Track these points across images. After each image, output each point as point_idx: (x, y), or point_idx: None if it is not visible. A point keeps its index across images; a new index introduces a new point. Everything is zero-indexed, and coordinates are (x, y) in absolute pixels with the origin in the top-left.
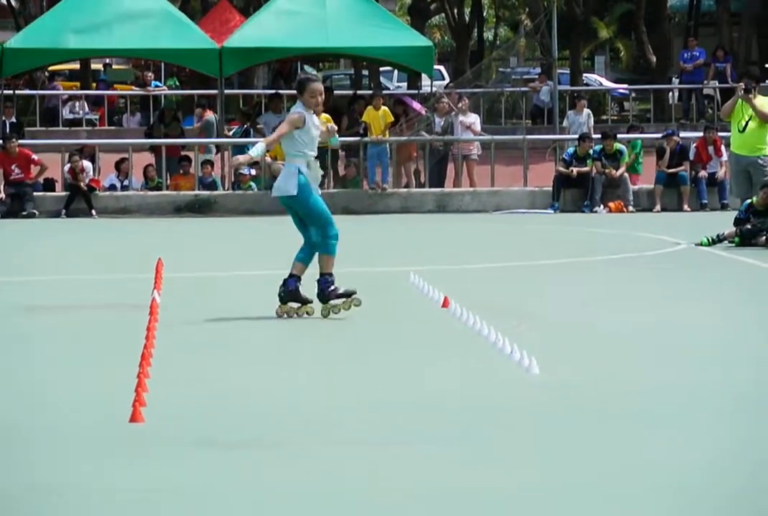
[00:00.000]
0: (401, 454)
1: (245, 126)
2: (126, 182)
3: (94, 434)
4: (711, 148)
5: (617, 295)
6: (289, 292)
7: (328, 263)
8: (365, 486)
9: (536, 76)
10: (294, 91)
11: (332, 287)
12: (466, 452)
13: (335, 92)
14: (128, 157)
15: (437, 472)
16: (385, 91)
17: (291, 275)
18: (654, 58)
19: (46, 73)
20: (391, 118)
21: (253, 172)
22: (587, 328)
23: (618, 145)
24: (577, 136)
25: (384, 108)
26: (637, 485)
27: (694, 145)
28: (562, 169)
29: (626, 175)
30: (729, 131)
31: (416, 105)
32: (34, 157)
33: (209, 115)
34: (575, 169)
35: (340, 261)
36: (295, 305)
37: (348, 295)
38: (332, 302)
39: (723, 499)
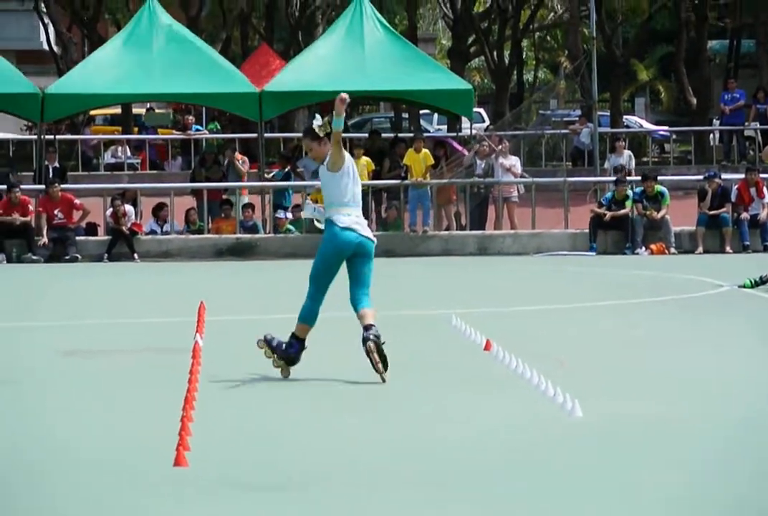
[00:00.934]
0: (442, 497)
1: (286, 169)
2: (166, 228)
3: (138, 477)
4: (753, 190)
5: (661, 338)
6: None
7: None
8: None
9: (576, 119)
10: None
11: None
12: (507, 496)
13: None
14: (167, 203)
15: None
16: (426, 134)
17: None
18: (694, 100)
19: (86, 118)
20: (432, 161)
21: (290, 215)
22: (631, 370)
23: (659, 187)
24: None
25: (425, 150)
26: None
27: (736, 186)
28: (597, 210)
29: (668, 217)
30: None
31: (457, 145)
32: (77, 201)
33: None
34: (609, 213)
35: (382, 303)
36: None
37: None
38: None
39: None
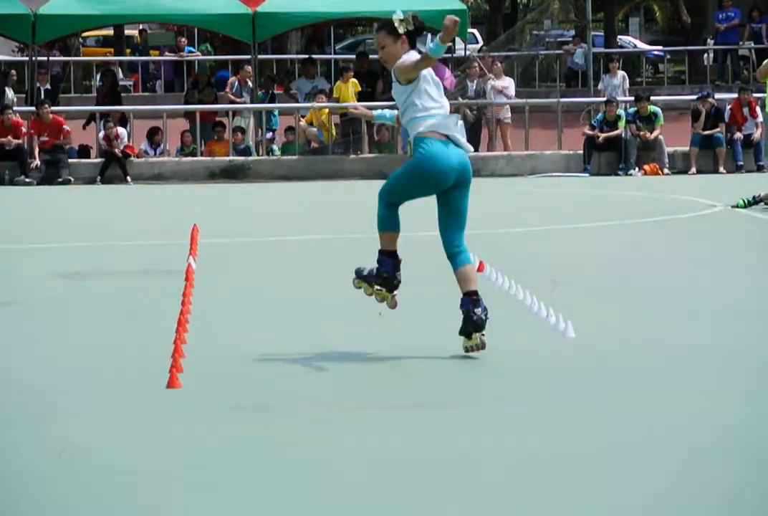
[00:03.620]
0: (433, 416)
1: (270, 91)
2: (160, 150)
3: (131, 399)
4: (746, 110)
5: (655, 258)
6: None
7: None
8: (396, 448)
9: (570, 39)
10: (326, 56)
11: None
12: (495, 413)
13: (370, 56)
14: (160, 126)
15: (471, 435)
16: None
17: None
18: (689, 19)
19: (80, 40)
20: None
21: (282, 138)
22: (625, 291)
23: (652, 108)
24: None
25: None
26: (659, 448)
27: (729, 107)
28: (589, 131)
29: (661, 137)
30: (763, 92)
31: (447, 79)
32: (66, 127)
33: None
34: (602, 135)
35: (373, 227)
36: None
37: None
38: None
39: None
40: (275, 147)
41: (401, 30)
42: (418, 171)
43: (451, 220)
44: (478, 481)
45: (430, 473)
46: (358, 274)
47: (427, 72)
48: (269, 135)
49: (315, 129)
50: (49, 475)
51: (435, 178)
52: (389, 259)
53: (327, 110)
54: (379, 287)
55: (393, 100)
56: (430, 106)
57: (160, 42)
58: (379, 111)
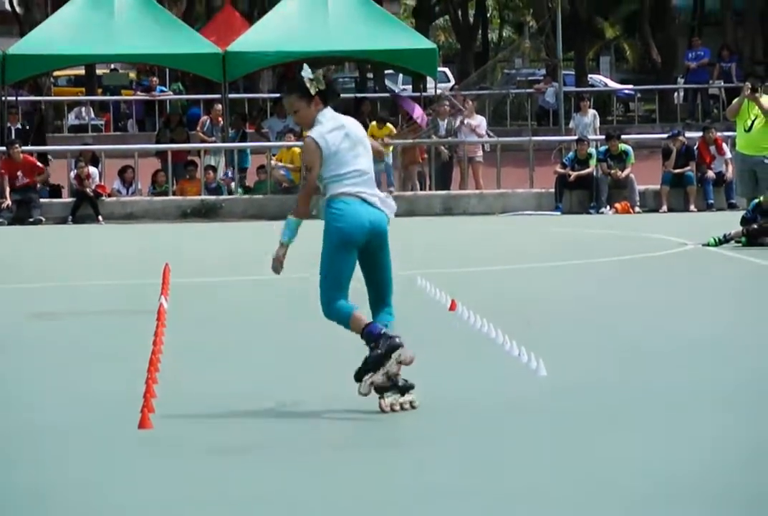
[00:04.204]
0: (405, 455)
1: (240, 130)
2: (132, 189)
3: (102, 440)
4: (713, 148)
5: (625, 298)
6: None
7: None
8: (368, 487)
9: (541, 78)
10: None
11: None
12: (469, 453)
13: (341, 96)
14: (132, 165)
15: (437, 473)
16: (390, 91)
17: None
18: (659, 58)
19: (51, 79)
20: (393, 131)
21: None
22: (595, 330)
23: (623, 146)
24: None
25: (388, 126)
26: (640, 489)
27: (695, 146)
28: (560, 170)
29: (632, 175)
30: (733, 131)
31: (417, 111)
32: (38, 164)
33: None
34: (573, 173)
35: None
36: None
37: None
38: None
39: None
40: (234, 186)
41: (313, 91)
42: (328, 233)
43: (374, 287)
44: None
45: (402, 509)
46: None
47: (331, 139)
48: (229, 174)
49: (282, 170)
50: None
51: (345, 234)
52: (373, 328)
53: (297, 150)
54: (389, 360)
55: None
56: (343, 171)
57: (115, 82)
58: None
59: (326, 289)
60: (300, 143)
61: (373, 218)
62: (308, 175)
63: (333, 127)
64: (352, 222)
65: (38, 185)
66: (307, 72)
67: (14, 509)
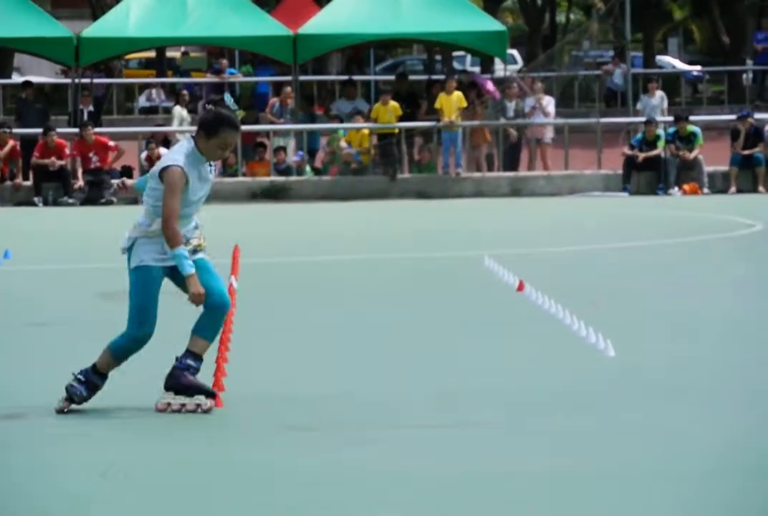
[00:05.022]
0: (468, 435)
1: (311, 112)
2: None
3: (174, 418)
4: None
5: (692, 279)
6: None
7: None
8: (437, 466)
9: (609, 60)
10: (366, 77)
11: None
12: (538, 433)
13: (409, 77)
14: None
15: (506, 454)
16: (460, 71)
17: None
18: (727, 40)
19: (123, 62)
20: (464, 103)
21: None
22: (662, 311)
23: (692, 128)
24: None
25: (457, 93)
26: (702, 466)
27: (765, 128)
28: (628, 151)
29: (700, 157)
30: None
31: (490, 86)
32: (110, 143)
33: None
34: (642, 155)
35: (416, 246)
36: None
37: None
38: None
39: None
40: (308, 167)
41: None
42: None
43: None
44: (523, 499)
45: (471, 492)
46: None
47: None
48: (301, 155)
49: (353, 150)
50: (92, 495)
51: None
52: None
53: (366, 131)
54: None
55: (435, 120)
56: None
57: (192, 65)
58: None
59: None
60: (369, 125)
61: None
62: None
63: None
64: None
65: (110, 166)
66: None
67: (87, 490)
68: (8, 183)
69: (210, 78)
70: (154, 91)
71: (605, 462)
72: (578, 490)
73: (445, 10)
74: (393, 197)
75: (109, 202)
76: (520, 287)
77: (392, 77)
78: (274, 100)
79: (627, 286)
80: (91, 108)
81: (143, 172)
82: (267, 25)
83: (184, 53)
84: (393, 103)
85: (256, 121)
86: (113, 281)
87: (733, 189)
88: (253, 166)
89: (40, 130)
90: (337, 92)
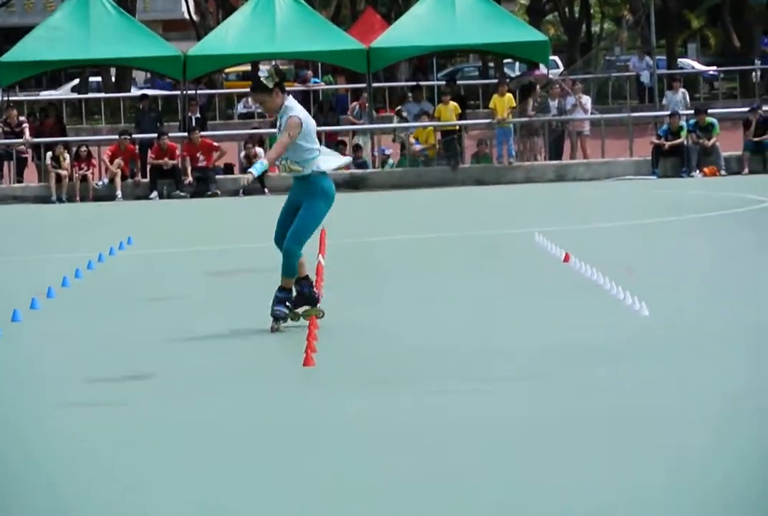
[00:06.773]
0: (532, 386)
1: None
2: None
3: (273, 375)
4: None
5: (713, 247)
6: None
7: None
8: (507, 411)
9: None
10: (429, 83)
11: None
12: (585, 382)
13: (457, 82)
14: None
15: (560, 401)
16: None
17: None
18: (738, 44)
19: (223, 75)
20: (514, 103)
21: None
22: (690, 275)
23: (709, 119)
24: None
25: (508, 94)
26: (724, 411)
27: None
28: (656, 141)
29: (718, 144)
30: None
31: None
32: (215, 144)
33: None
34: (668, 143)
35: (475, 225)
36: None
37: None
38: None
39: None
40: (391, 161)
41: (270, 85)
42: (321, 201)
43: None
44: (586, 439)
45: (539, 434)
46: (283, 310)
47: (309, 122)
48: (384, 150)
49: (419, 146)
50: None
51: (329, 206)
52: (304, 282)
53: (431, 129)
54: (305, 307)
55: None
56: (315, 147)
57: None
58: (257, 165)
59: (305, 236)
60: (435, 123)
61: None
62: (286, 141)
63: (306, 114)
64: (333, 196)
65: (214, 165)
66: (262, 72)
67: (184, 431)
68: (129, 180)
69: (297, 86)
70: (250, 99)
71: (633, 402)
72: (627, 429)
73: (496, 24)
74: (455, 185)
75: (214, 195)
76: (566, 259)
77: (439, 83)
78: (354, 105)
79: (659, 255)
80: (197, 115)
81: (243, 168)
82: (344, 41)
83: (274, 66)
84: (453, 103)
85: (337, 123)
86: (220, 262)
87: (746, 171)
88: None
89: (155, 135)
90: (406, 96)
